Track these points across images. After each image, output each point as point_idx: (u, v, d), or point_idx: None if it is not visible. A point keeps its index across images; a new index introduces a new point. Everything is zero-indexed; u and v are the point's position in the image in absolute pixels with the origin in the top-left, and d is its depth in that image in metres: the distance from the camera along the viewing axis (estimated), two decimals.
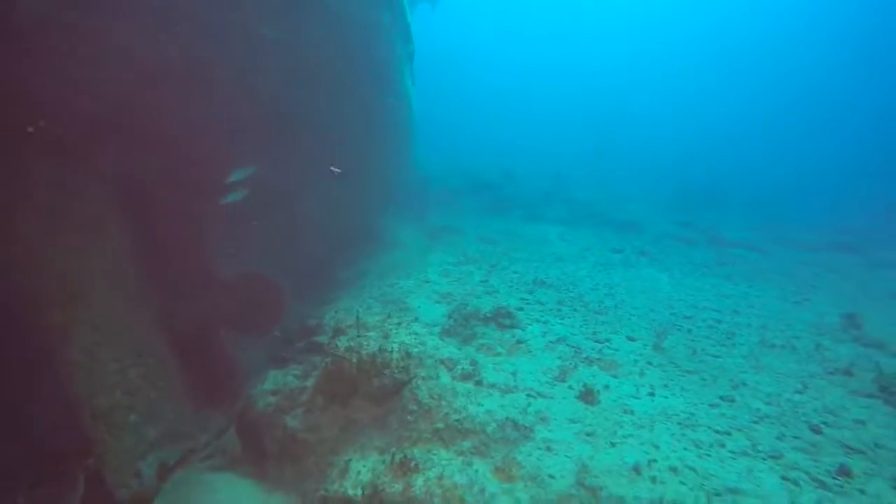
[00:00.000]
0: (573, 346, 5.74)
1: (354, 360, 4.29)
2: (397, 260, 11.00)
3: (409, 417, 4.07)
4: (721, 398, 4.81)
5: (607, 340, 6.03)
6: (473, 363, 4.74)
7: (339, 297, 8.07)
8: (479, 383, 4.54)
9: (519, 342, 5.75)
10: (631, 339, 6.14)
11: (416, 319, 6.00)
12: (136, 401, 4.37)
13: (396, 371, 4.33)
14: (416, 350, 4.56)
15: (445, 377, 4.48)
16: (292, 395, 4.74)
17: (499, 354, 5.49)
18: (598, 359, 5.43)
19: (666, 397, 4.70)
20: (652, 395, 4.72)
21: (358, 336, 4.56)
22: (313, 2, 4.61)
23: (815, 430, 4.29)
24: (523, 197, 18.54)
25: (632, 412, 4.37)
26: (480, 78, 62.32)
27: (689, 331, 6.62)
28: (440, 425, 3.95)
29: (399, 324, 5.27)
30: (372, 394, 4.33)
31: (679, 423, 4.25)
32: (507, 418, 4.00)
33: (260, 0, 4.33)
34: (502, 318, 6.15)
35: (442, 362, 4.67)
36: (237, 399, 5.56)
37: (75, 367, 3.80)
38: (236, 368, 6.14)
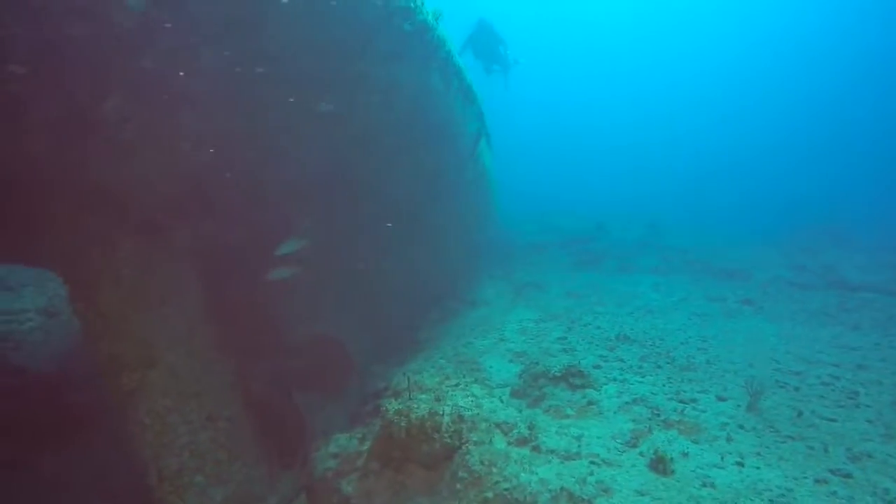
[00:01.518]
0: (651, 407, 5.22)
1: (403, 424, 4.22)
2: (478, 319, 10.92)
3: (458, 485, 3.89)
4: (832, 472, 4.06)
5: (692, 400, 5.41)
6: (531, 427, 4.46)
7: (413, 359, 8.10)
8: (536, 448, 4.24)
9: (590, 403, 5.35)
10: (721, 398, 5.46)
11: (478, 380, 5.84)
12: (204, 463, 4.62)
13: (447, 436, 4.19)
14: (469, 413, 4.41)
15: (500, 442, 4.26)
16: (350, 459, 4.75)
17: (567, 417, 5.12)
18: (679, 421, 4.87)
19: (758, 468, 4.06)
20: (740, 465, 4.10)
21: (409, 399, 4.51)
22: (366, 75, 4.95)
23: None
24: (614, 247, 17.80)
25: (712, 485, 3.81)
26: (565, 118, 62.44)
27: (797, 389, 5.77)
28: (489, 494, 3.71)
29: (456, 385, 5.15)
30: (423, 459, 4.21)
31: (771, 502, 3.62)
32: (562, 488, 3.67)
33: (318, 80, 4.73)
34: (573, 378, 5.78)
35: (497, 426, 4.45)
36: (307, 461, 5.68)
37: (144, 429, 4.14)
38: (307, 430, 6.31)
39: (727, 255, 15.17)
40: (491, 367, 6.89)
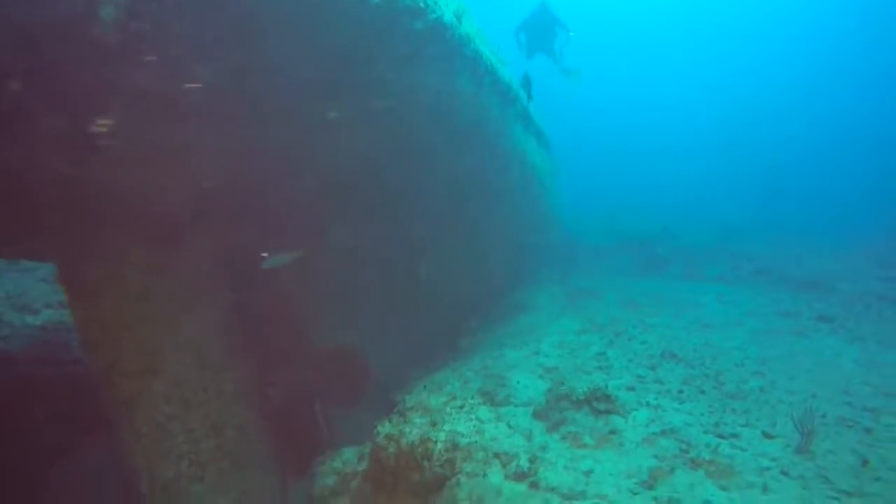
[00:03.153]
0: (681, 441, 4.64)
1: (392, 450, 3.98)
2: (521, 327, 10.50)
3: None
4: None
5: (732, 436, 4.76)
6: (533, 459, 4.06)
7: (439, 368, 7.84)
8: (534, 485, 3.84)
9: (612, 432, 4.84)
10: (768, 435, 4.77)
11: (493, 400, 5.47)
12: (205, 472, 4.60)
13: (438, 465, 3.90)
14: (465, 441, 4.08)
15: (496, 475, 3.90)
16: (347, 479, 4.57)
17: (583, 446, 4.66)
18: (710, 461, 4.27)
19: None
20: None
21: (404, 422, 4.26)
22: (377, 80, 4.76)
23: None
24: (680, 252, 16.65)
25: None
26: (634, 117, 60.00)
27: (868, 430, 4.93)
28: None
29: (461, 408, 4.83)
30: (413, 488, 3.94)
31: None
32: None
33: (324, 87, 4.59)
34: (597, 402, 5.28)
35: (497, 456, 4.09)
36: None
37: (139, 437, 4.16)
38: (325, 440, 6.23)
39: (806, 264, 13.68)
40: (518, 382, 6.47)
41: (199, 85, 3.61)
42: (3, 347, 6.35)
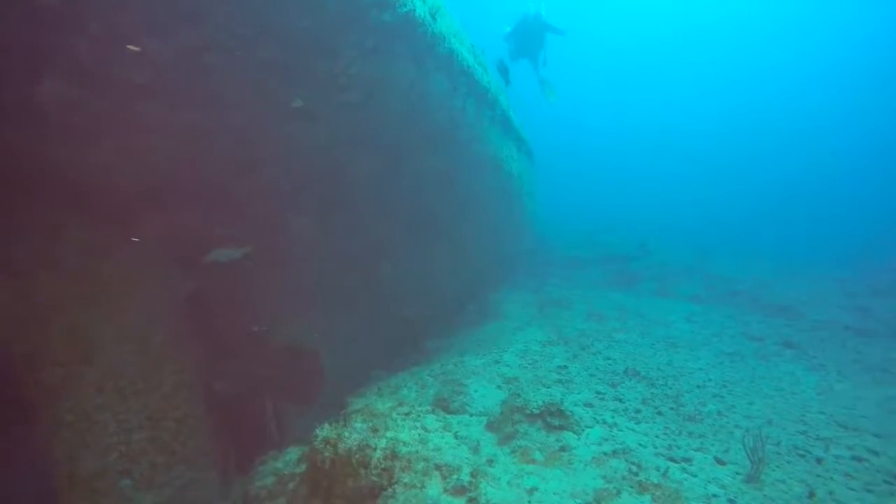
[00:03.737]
0: (632, 462, 4.52)
1: (328, 454, 3.79)
2: (488, 334, 10.39)
3: None
4: None
5: (684, 459, 4.66)
6: (475, 474, 3.90)
7: (399, 370, 7.66)
8: (473, 501, 3.68)
9: (563, 449, 4.71)
10: (720, 461, 4.68)
11: (444, 408, 5.31)
12: (134, 466, 4.36)
13: (375, 473, 3.72)
14: (406, 450, 3.91)
15: (434, 488, 3.73)
16: (285, 480, 4.36)
17: (531, 462, 4.52)
18: (657, 484, 4.16)
19: None
20: None
21: (343, 426, 4.07)
22: (340, 71, 4.58)
23: None
24: (654, 269, 16.70)
25: None
26: (614, 129, 60.74)
27: (819, 461, 4.87)
28: None
29: (407, 414, 4.65)
30: (348, 494, 3.76)
31: None
32: None
33: (284, 74, 4.39)
34: (551, 417, 5.15)
35: (438, 468, 3.92)
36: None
37: (62, 427, 3.91)
38: (274, 439, 6.00)
39: (779, 289, 13.78)
40: (475, 391, 6.33)
41: (138, 49, 3.39)
42: None
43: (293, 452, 5.11)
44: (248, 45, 3.87)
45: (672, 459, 4.66)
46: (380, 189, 7.49)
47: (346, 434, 3.93)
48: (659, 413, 5.76)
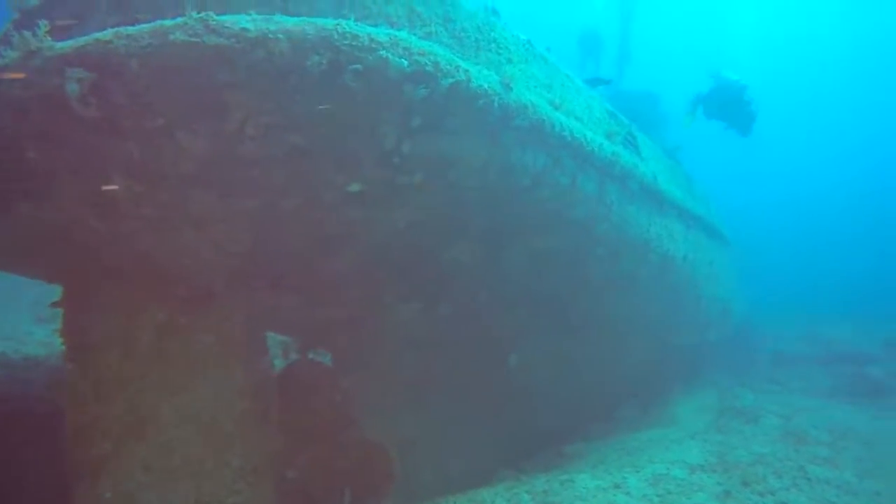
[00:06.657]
0: None
1: None
2: (640, 442, 8.84)
3: None
4: None
5: None
6: None
7: (528, 472, 6.69)
8: None
9: None
10: None
11: None
12: None
13: None
14: None
15: None
16: None
17: None
18: None
19: None
20: None
21: None
22: (395, 152, 4.40)
23: None
24: None
25: None
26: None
27: None
28: None
29: None
30: None
31: None
32: None
33: (339, 156, 4.39)
34: None
35: None
36: None
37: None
38: None
39: None
40: None
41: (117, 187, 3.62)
42: None
43: None
44: (276, 133, 3.85)
45: None
46: (486, 274, 6.97)
47: None
48: None
